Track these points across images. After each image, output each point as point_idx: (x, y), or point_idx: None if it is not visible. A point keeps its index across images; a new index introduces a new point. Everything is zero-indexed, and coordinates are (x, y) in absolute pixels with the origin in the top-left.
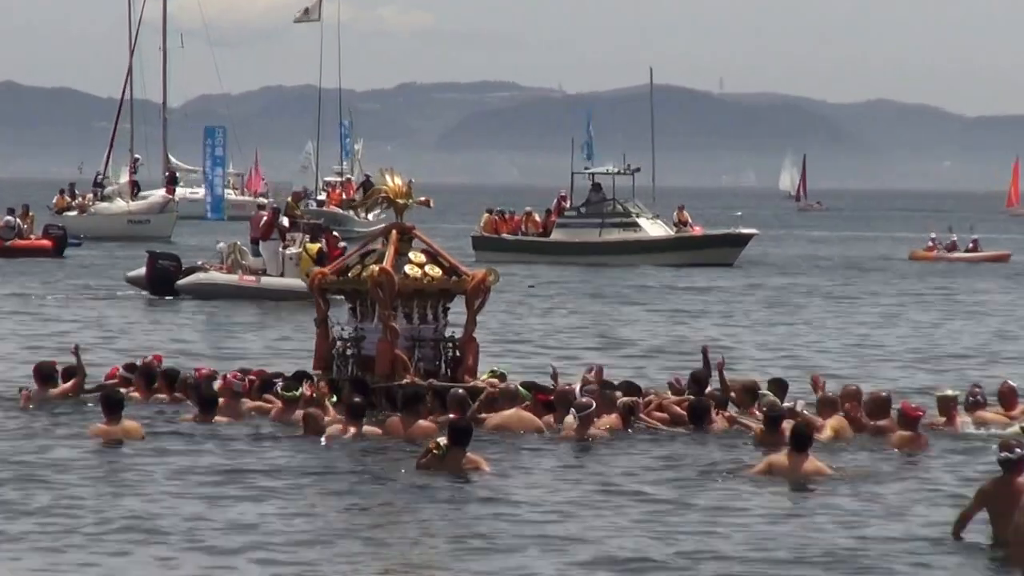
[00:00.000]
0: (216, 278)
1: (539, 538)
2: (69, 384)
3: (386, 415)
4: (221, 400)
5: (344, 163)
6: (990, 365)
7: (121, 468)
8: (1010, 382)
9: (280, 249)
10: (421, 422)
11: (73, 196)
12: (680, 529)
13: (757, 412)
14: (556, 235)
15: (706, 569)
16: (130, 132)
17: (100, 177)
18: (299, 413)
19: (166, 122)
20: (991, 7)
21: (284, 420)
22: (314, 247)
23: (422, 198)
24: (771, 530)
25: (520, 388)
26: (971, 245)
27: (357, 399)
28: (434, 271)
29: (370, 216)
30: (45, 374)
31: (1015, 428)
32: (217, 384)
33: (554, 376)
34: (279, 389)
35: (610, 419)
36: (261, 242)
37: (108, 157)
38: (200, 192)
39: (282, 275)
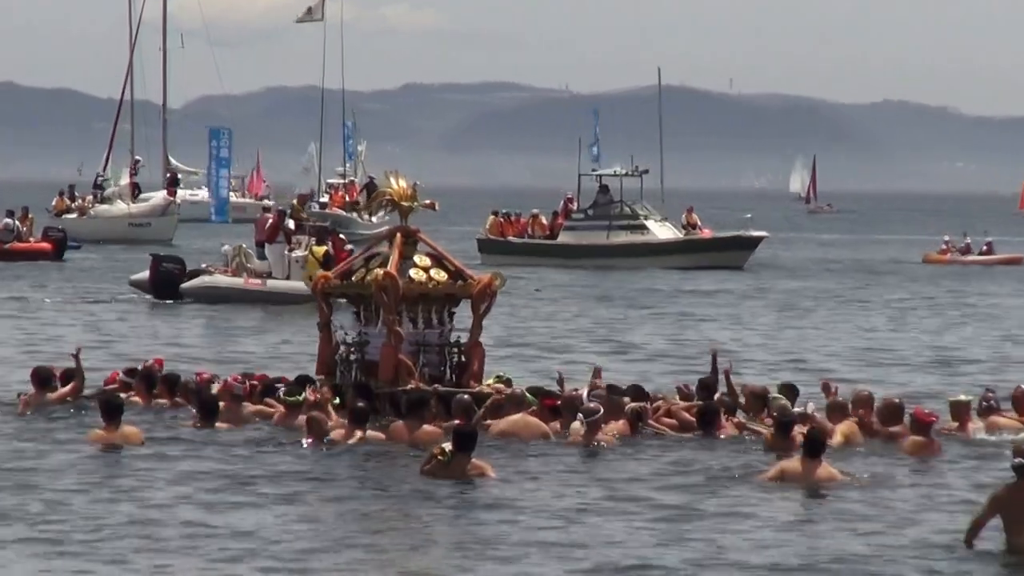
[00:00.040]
0: (221, 281)
1: (544, 544)
2: (67, 388)
3: (390, 420)
4: (222, 404)
5: (347, 165)
6: (1004, 369)
7: (119, 474)
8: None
9: (286, 252)
10: (426, 427)
11: (72, 198)
12: (689, 536)
13: (767, 419)
14: (563, 238)
15: None
16: (130, 133)
17: (100, 179)
18: (302, 418)
19: (166, 123)
20: (1005, 7)
21: (287, 425)
22: (320, 250)
23: (427, 201)
24: (781, 537)
25: (527, 393)
26: (985, 248)
27: (360, 404)
28: (439, 275)
29: (374, 218)
30: (43, 378)
31: None
32: (216, 387)
33: (560, 381)
34: (281, 394)
35: (618, 425)
36: (267, 245)
37: (107, 158)
38: (200, 194)
39: (288, 278)
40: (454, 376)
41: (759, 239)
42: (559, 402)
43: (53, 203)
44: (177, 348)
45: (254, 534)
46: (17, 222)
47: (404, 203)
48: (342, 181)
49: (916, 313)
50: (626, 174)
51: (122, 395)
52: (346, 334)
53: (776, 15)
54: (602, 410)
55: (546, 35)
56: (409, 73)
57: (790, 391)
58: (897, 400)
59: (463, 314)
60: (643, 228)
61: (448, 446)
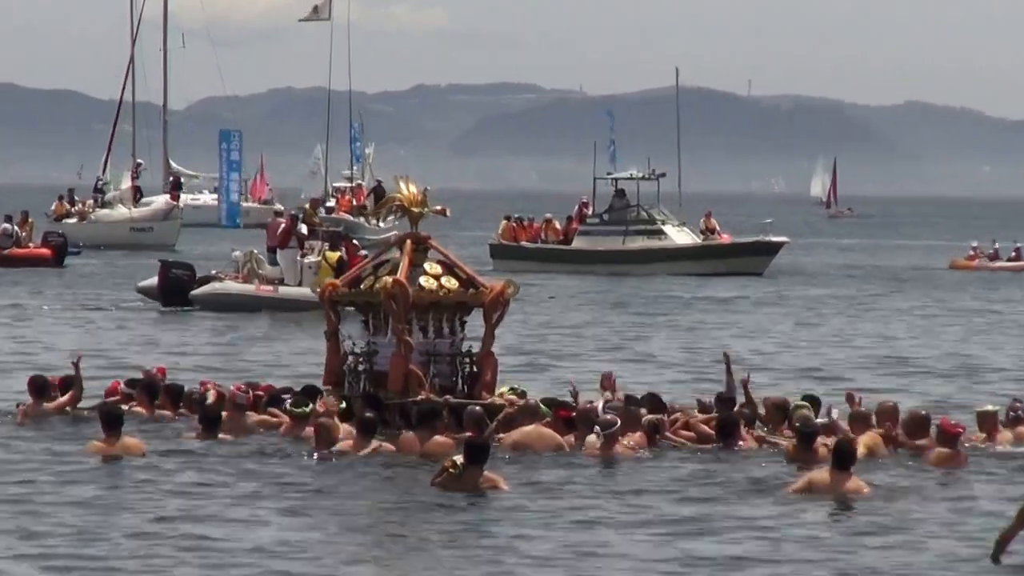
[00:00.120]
0: (232, 288)
1: (558, 559)
2: (66, 398)
3: (399, 432)
4: (225, 414)
5: (354, 168)
6: None
7: (119, 486)
8: None
9: (298, 258)
10: (437, 438)
11: (72, 202)
12: (707, 551)
13: (787, 431)
14: (578, 243)
15: None
16: (131, 135)
17: (100, 182)
18: (309, 429)
19: (167, 125)
20: None
21: (294, 436)
22: (334, 255)
23: (438, 207)
24: (802, 550)
25: (540, 405)
26: (1013, 254)
27: (369, 414)
28: (450, 283)
29: (382, 224)
30: (39, 387)
31: None
32: (211, 396)
33: (574, 394)
34: (288, 405)
35: (635, 437)
36: (278, 250)
37: (106, 160)
38: (201, 198)
39: (300, 284)
40: (466, 387)
41: (780, 244)
42: (573, 414)
43: (53, 207)
44: (182, 357)
45: (258, 548)
46: (16, 227)
47: (414, 209)
48: (349, 185)
49: (939, 320)
50: (643, 177)
51: (124, 406)
52: (354, 344)
53: (795, 15)
54: (619, 422)
55: (560, 35)
56: (418, 74)
57: (812, 402)
58: (924, 412)
59: (475, 323)
60: (660, 233)
61: (460, 458)
